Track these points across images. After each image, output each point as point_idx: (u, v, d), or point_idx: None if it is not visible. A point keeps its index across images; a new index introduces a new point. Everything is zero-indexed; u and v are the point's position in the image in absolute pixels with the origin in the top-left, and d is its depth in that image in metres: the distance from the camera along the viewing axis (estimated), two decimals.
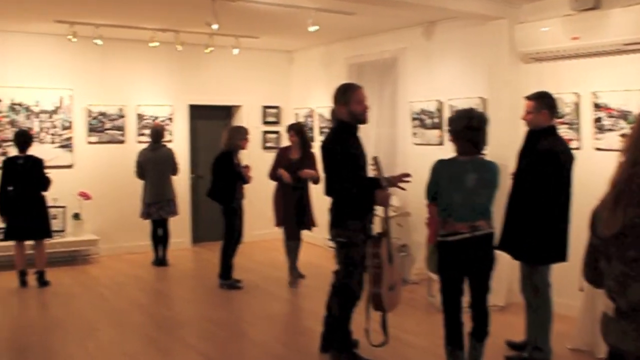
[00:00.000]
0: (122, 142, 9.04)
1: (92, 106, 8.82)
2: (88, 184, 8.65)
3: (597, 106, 5.62)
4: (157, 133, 8.27)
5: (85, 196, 8.48)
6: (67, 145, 8.64)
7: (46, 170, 7.20)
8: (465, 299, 4.15)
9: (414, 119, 7.69)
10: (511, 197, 4.65)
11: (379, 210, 4.59)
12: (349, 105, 4.45)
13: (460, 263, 4.07)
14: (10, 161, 7.12)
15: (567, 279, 4.98)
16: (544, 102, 4.58)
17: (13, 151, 7.29)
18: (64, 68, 8.62)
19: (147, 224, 8.39)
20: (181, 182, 9.07)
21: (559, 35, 5.74)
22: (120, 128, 9.04)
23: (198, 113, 9.76)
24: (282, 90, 10.32)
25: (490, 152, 4.51)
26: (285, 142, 8.15)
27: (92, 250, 8.73)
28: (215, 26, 6.69)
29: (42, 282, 7.19)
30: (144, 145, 8.36)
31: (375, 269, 4.41)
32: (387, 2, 6.00)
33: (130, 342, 5.31)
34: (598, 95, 5.61)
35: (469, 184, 4.02)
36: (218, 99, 9.85)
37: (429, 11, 6.60)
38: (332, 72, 9.10)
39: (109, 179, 8.91)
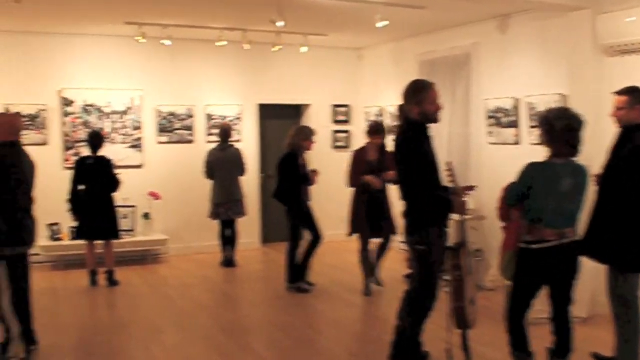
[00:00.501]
0: (191, 142, 9.10)
1: (161, 106, 8.90)
2: (158, 184, 8.74)
3: None
4: (225, 132, 8.24)
5: (155, 196, 8.56)
6: (137, 145, 8.75)
7: (117, 171, 7.26)
8: (539, 310, 3.88)
9: (489, 117, 7.35)
10: (600, 198, 4.28)
11: (454, 216, 4.38)
12: (422, 105, 4.21)
13: (543, 271, 3.88)
14: (81, 161, 7.22)
15: None
16: (637, 97, 4.23)
17: (86, 152, 7.39)
18: (134, 69, 8.73)
19: (215, 224, 8.38)
20: (250, 182, 9.04)
21: None
22: (189, 128, 9.09)
23: (267, 112, 9.70)
24: (351, 89, 10.15)
25: None
26: (357, 142, 7.86)
27: (162, 250, 8.81)
28: (280, 23, 6.59)
29: (112, 281, 7.26)
30: (213, 145, 8.35)
31: (456, 281, 4.23)
32: None
33: (194, 346, 5.23)
34: None
35: (564, 189, 3.82)
36: (287, 98, 9.78)
37: (504, 4, 6.41)
38: (403, 69, 8.85)
39: (178, 179, 8.97)
